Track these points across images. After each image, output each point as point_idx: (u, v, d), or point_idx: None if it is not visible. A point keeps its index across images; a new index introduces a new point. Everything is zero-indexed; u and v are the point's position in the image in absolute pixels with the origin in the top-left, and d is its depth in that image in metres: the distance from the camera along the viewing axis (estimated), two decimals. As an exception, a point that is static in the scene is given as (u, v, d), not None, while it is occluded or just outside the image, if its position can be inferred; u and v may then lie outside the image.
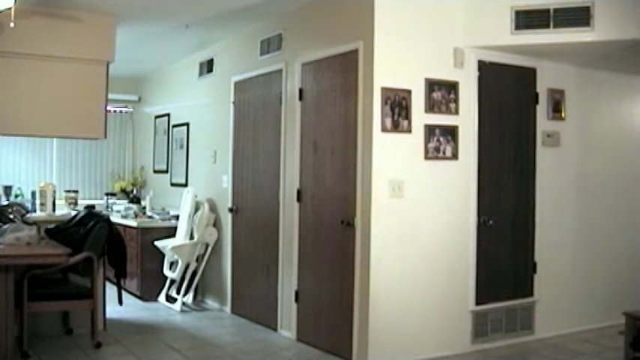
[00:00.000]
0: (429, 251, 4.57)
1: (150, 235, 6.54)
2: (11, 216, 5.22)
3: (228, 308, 6.07)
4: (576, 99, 5.34)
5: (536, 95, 5.13)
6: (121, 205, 7.51)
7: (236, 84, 6.05)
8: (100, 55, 5.29)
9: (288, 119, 5.24)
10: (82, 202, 7.11)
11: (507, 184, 5.00)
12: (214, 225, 6.30)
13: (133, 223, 6.65)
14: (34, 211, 5.79)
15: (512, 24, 4.60)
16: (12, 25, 4.19)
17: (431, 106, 4.55)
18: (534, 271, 5.14)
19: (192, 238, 6.29)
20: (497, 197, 4.93)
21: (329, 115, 4.77)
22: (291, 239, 5.13)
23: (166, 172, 7.75)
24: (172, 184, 7.52)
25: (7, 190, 6.99)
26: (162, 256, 6.44)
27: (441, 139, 4.61)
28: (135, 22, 5.55)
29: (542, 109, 5.14)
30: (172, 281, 6.38)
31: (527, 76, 5.07)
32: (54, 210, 5.77)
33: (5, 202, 6.37)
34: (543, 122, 5.15)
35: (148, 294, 6.51)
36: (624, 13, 4.47)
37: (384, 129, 4.35)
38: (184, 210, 6.45)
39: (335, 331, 4.64)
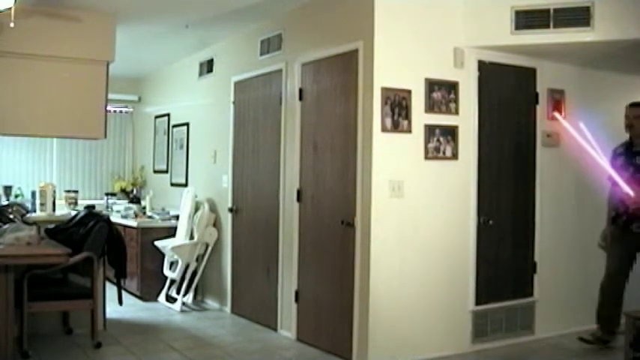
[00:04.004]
0: (429, 251, 4.57)
1: (150, 235, 6.53)
2: (11, 216, 5.23)
3: (228, 308, 6.07)
4: (576, 99, 5.33)
5: (536, 95, 5.12)
6: (121, 205, 7.51)
7: (236, 84, 6.05)
8: (100, 55, 5.30)
9: (288, 119, 5.24)
10: (82, 202, 7.11)
11: (507, 184, 5.00)
12: (214, 225, 6.30)
13: (133, 223, 6.65)
14: (34, 211, 5.80)
15: (512, 24, 4.60)
16: (12, 25, 4.19)
17: (431, 106, 4.55)
18: (534, 271, 5.14)
19: (192, 238, 6.30)
20: (497, 197, 4.93)
21: (329, 115, 4.77)
22: (291, 239, 5.13)
23: (166, 172, 7.75)
24: (172, 184, 7.52)
25: (7, 190, 7.00)
26: (163, 256, 6.44)
27: (441, 139, 4.61)
28: (135, 22, 5.55)
29: (542, 109, 5.14)
30: (172, 281, 6.38)
31: (527, 76, 5.06)
32: (54, 210, 5.78)
33: (5, 202, 6.37)
34: (543, 122, 5.15)
35: (148, 294, 6.51)
36: (624, 13, 4.47)
37: (384, 129, 4.35)
38: (184, 210, 6.45)
39: (335, 331, 4.64)
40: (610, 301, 4.84)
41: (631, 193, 4.63)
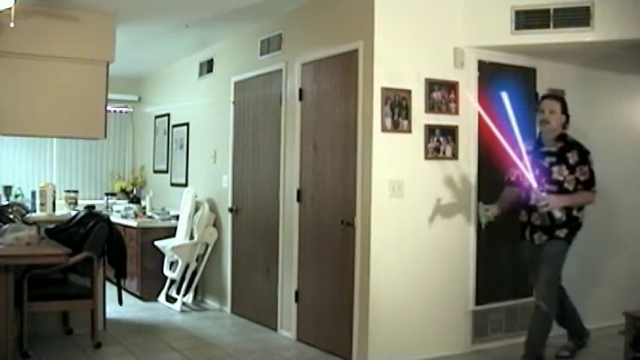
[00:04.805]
0: (429, 251, 4.57)
1: (150, 235, 6.54)
2: (11, 216, 5.23)
3: (228, 308, 6.08)
4: (576, 99, 5.32)
5: (536, 95, 5.11)
6: (121, 205, 7.51)
7: (236, 84, 6.05)
8: (100, 55, 5.29)
9: (288, 119, 5.24)
10: (82, 202, 7.10)
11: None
12: (214, 225, 6.30)
13: (133, 223, 6.65)
14: (34, 211, 5.80)
15: (512, 24, 4.60)
16: (12, 25, 4.19)
17: (431, 106, 4.55)
18: (534, 271, 5.14)
19: (192, 238, 6.30)
20: (497, 197, 4.91)
21: (329, 115, 4.77)
22: (291, 239, 5.13)
23: (166, 172, 7.75)
24: (172, 184, 7.52)
25: (7, 190, 7.00)
26: (162, 256, 6.44)
27: (441, 139, 4.61)
28: (135, 22, 5.55)
29: (542, 109, 5.14)
30: (172, 281, 6.38)
31: (527, 76, 5.06)
32: (54, 210, 5.78)
33: (5, 202, 6.37)
34: (543, 122, 5.14)
35: (148, 294, 6.51)
36: (624, 13, 4.47)
37: (384, 129, 4.35)
38: (184, 210, 6.45)
39: (335, 331, 4.64)
40: (562, 315, 4.59)
41: (534, 184, 4.16)
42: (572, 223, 4.29)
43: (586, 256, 5.43)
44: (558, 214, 4.16)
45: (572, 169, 4.24)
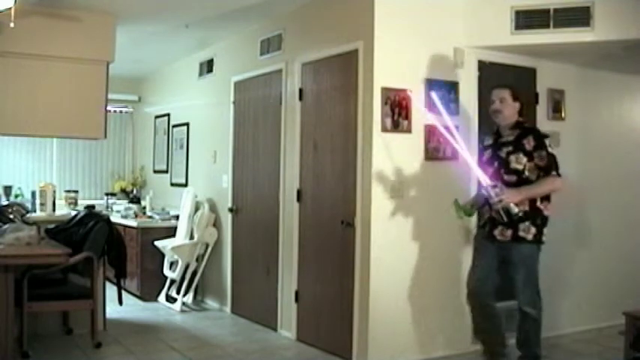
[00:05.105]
0: (429, 251, 4.56)
1: (150, 235, 6.53)
2: (11, 216, 5.22)
3: (228, 308, 6.08)
4: (576, 99, 5.33)
5: (536, 95, 5.12)
6: (121, 205, 7.51)
7: (236, 84, 6.05)
8: (100, 55, 5.29)
9: (288, 119, 5.24)
10: (82, 202, 7.10)
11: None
12: (214, 225, 6.30)
13: (133, 223, 6.65)
14: (34, 211, 5.79)
15: (512, 24, 4.60)
16: (12, 25, 4.18)
17: (431, 107, 4.55)
18: (534, 271, 5.13)
19: (192, 238, 6.29)
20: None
21: (329, 115, 4.77)
22: (291, 239, 5.13)
23: (166, 172, 7.75)
24: (172, 184, 7.52)
25: (7, 190, 7.00)
26: (162, 256, 6.44)
27: (441, 139, 4.60)
28: (135, 22, 5.55)
29: (542, 109, 5.14)
30: (172, 281, 6.38)
31: (527, 76, 5.06)
32: (54, 210, 5.78)
33: (5, 202, 6.37)
34: (543, 122, 5.14)
35: (148, 294, 6.51)
36: (624, 13, 4.48)
37: (384, 129, 4.35)
38: (184, 210, 6.45)
39: (335, 331, 4.64)
40: (481, 321, 4.32)
41: (487, 181, 3.95)
42: (537, 218, 4.01)
43: (586, 255, 5.44)
44: (515, 209, 3.90)
45: (530, 156, 4.00)
